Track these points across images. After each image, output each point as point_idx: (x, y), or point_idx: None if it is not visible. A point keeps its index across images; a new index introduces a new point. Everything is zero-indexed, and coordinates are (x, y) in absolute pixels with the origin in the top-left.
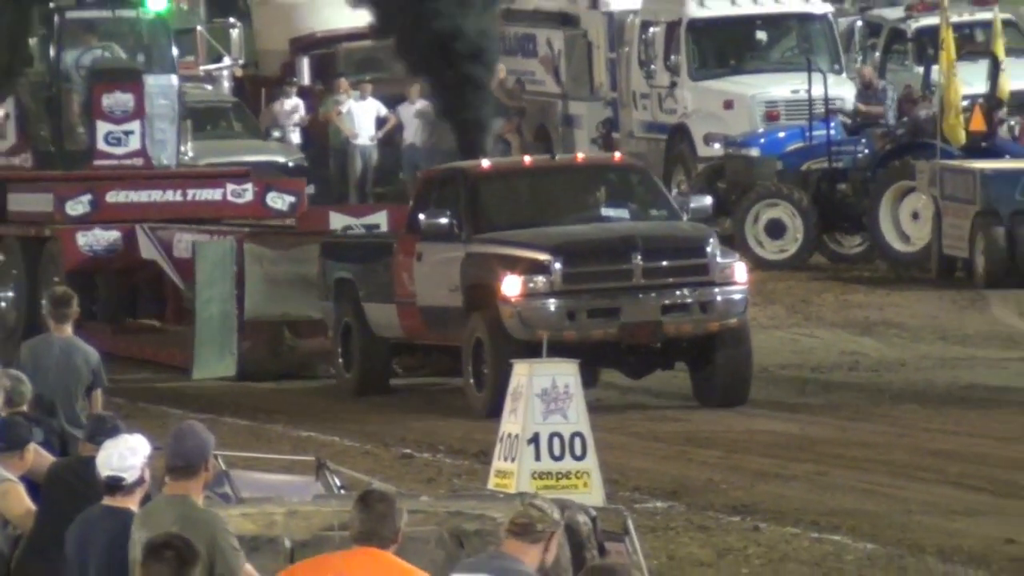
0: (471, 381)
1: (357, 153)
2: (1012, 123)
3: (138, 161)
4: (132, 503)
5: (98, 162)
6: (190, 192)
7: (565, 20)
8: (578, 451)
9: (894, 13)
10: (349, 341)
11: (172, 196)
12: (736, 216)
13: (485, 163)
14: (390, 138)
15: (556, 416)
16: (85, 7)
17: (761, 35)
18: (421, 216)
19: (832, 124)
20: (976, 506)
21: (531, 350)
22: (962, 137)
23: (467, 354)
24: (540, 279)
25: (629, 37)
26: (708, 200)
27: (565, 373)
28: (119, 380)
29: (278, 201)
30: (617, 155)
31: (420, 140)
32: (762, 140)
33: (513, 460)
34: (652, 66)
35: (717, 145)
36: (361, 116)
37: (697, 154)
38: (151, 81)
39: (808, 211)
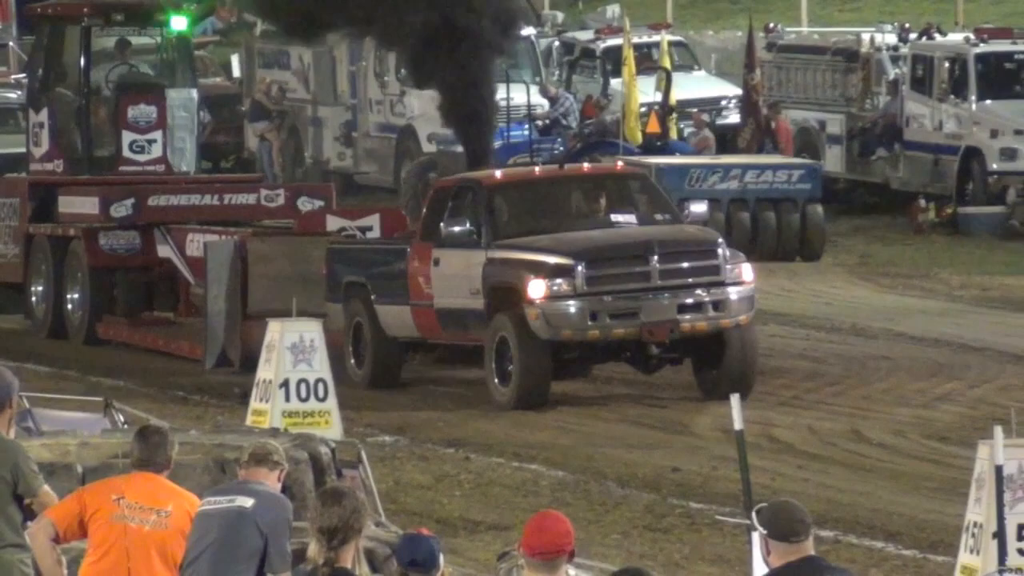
0: (495, 378)
1: None
2: (682, 126)
3: (160, 168)
4: None
5: (123, 168)
6: (226, 196)
7: None
8: (321, 394)
9: (585, 35)
10: (360, 340)
11: (210, 200)
12: None
13: (498, 174)
14: None
15: (303, 365)
16: (114, 27)
17: None
18: (441, 224)
19: (526, 126)
20: (649, 441)
21: (555, 348)
22: (640, 137)
23: (490, 352)
24: (564, 282)
25: (366, 53)
26: (705, 206)
27: (311, 330)
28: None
29: (308, 205)
30: (619, 164)
31: None
32: None
33: (267, 401)
34: (385, 78)
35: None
36: None
37: (422, 150)
38: (172, 95)
39: None
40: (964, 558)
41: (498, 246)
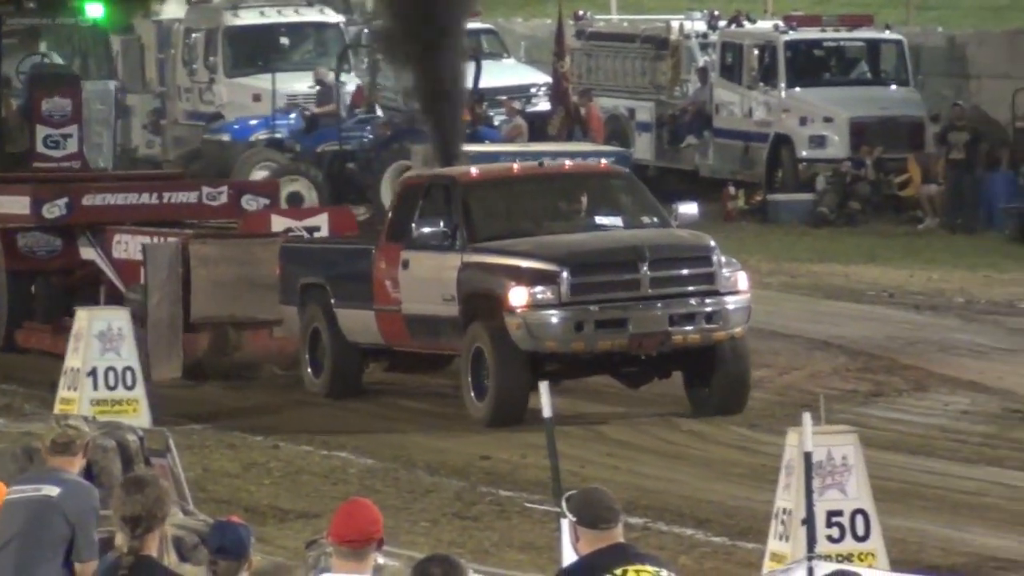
0: (471, 392)
1: None
2: (491, 113)
3: (75, 164)
4: None
5: (37, 164)
6: (166, 195)
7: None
8: (129, 382)
9: None
10: (317, 347)
11: (148, 199)
12: None
13: (473, 171)
14: None
15: (111, 354)
16: (25, 15)
17: (284, 40)
18: (412, 224)
19: (293, 115)
20: (458, 428)
21: (537, 361)
22: None
23: (466, 364)
24: (547, 290)
25: (175, 41)
26: (695, 207)
27: (119, 318)
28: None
29: (252, 203)
30: (603, 162)
31: None
32: (235, 127)
33: (75, 390)
34: (194, 65)
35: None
36: None
37: None
38: (88, 87)
39: (322, 185)
40: (773, 545)
41: (475, 249)
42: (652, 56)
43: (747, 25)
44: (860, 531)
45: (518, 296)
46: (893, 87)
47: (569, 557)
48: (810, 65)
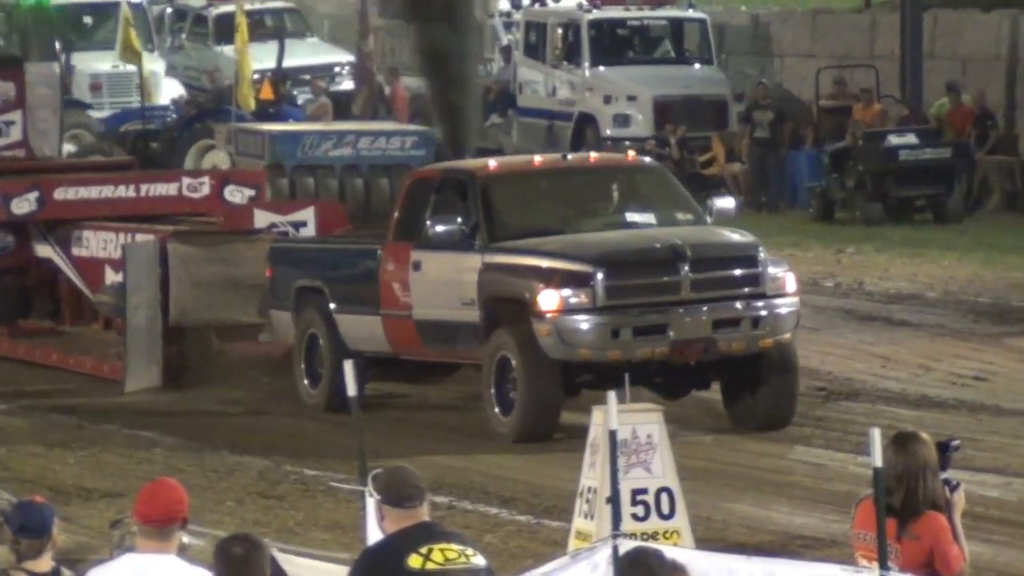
0: (495, 407)
1: None
2: (295, 92)
3: (20, 152)
4: None
5: None
6: (143, 187)
7: None
8: None
9: (198, 1)
10: (314, 355)
11: (125, 192)
12: None
13: (492, 164)
14: None
15: None
16: None
17: (88, 19)
18: (425, 222)
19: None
20: (263, 408)
21: (568, 370)
22: (252, 104)
23: (489, 374)
24: (580, 293)
25: None
26: (732, 202)
27: None
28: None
29: (236, 195)
30: (631, 154)
31: None
32: None
33: None
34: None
35: None
36: None
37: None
38: (32, 70)
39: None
40: (579, 523)
41: (496, 249)
42: None
43: (551, 4)
44: (665, 509)
45: (548, 300)
46: (697, 66)
47: (374, 536)
48: (614, 44)
